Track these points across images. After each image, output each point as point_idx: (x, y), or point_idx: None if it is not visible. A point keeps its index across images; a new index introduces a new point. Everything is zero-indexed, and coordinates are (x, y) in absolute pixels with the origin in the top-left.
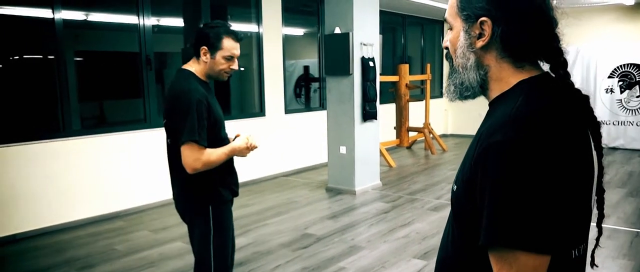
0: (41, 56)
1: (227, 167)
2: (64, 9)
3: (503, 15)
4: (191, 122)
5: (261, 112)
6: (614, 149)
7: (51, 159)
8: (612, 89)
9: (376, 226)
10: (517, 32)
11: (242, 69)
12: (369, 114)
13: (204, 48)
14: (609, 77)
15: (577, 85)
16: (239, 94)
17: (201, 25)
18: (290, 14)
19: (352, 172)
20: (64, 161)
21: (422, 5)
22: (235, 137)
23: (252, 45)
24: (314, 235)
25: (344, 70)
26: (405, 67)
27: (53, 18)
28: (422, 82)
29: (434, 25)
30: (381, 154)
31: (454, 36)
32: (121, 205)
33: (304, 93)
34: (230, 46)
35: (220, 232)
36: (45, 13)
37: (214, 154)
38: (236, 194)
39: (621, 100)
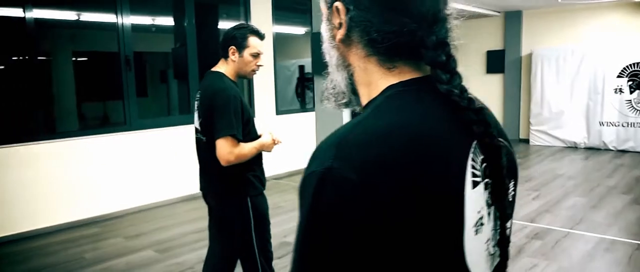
0: (16, 57)
1: (257, 162)
2: (36, 8)
3: None
4: (228, 117)
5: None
6: (623, 151)
7: (25, 163)
8: (621, 89)
9: None
10: (376, 19)
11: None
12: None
13: (232, 48)
14: (618, 76)
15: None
16: None
17: (228, 29)
18: (282, 12)
19: None
20: (40, 164)
21: None
22: (259, 136)
23: None
24: (291, 244)
25: None
26: None
27: (24, 17)
28: None
29: None
30: None
31: (322, 27)
32: (98, 210)
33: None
34: (255, 43)
35: (260, 222)
36: (15, 12)
37: (246, 148)
38: (264, 187)
39: (631, 100)
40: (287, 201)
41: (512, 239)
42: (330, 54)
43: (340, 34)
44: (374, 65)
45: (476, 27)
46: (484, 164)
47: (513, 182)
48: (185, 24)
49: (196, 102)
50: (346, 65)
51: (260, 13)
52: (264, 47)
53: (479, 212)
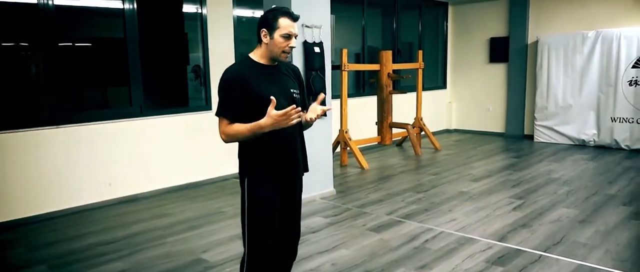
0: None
1: (271, 146)
2: None
3: None
4: (221, 99)
5: (207, 106)
6: (637, 151)
7: None
8: (637, 81)
9: None
10: None
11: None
12: None
13: (264, 30)
14: (634, 67)
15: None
16: (188, 86)
17: (263, 13)
18: None
19: None
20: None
21: None
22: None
23: (197, 30)
24: (206, 262)
25: None
26: (387, 54)
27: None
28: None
29: (437, 8)
30: (354, 154)
31: None
32: (13, 215)
33: None
34: (286, 25)
35: (254, 209)
36: None
37: (233, 129)
38: (275, 176)
39: None
40: (233, 204)
41: (468, 264)
42: None
43: None
44: None
45: (478, 12)
46: None
47: None
48: (125, 7)
49: None
50: None
51: None
52: (223, 33)
53: None
